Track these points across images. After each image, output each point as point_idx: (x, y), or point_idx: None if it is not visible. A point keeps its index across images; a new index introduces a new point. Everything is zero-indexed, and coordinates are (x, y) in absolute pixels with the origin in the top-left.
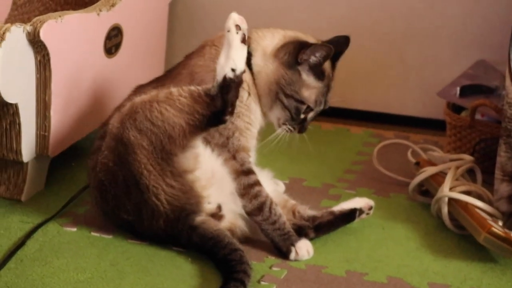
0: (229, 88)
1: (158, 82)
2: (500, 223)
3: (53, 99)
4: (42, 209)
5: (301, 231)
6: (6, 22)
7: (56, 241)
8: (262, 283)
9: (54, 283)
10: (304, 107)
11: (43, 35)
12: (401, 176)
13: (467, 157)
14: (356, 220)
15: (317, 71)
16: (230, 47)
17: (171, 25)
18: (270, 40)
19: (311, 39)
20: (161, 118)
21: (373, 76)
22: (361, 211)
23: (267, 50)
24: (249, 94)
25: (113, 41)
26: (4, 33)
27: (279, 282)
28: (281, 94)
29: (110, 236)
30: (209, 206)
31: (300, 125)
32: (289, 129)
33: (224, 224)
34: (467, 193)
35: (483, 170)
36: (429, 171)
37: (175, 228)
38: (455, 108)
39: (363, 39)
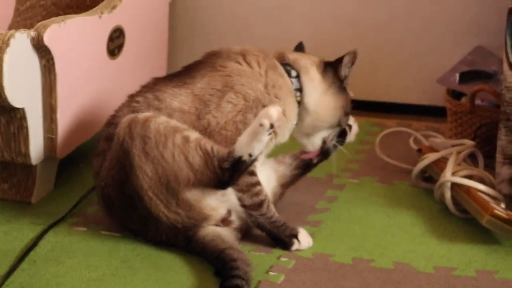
0: (240, 168)
1: (179, 80)
2: (503, 205)
3: (59, 102)
4: (52, 210)
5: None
6: (9, 28)
7: (67, 241)
8: (271, 273)
9: (67, 282)
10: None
11: (47, 40)
12: (404, 163)
13: (468, 142)
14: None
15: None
16: (255, 138)
17: (172, 24)
18: (314, 74)
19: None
20: (172, 159)
21: (373, 65)
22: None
23: (317, 85)
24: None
25: (115, 42)
26: (8, 39)
27: (287, 271)
28: (343, 117)
29: (120, 234)
30: (218, 214)
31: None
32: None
33: (233, 226)
34: (469, 177)
35: (484, 155)
36: (431, 157)
37: (176, 242)
38: (455, 94)
39: (362, 28)
